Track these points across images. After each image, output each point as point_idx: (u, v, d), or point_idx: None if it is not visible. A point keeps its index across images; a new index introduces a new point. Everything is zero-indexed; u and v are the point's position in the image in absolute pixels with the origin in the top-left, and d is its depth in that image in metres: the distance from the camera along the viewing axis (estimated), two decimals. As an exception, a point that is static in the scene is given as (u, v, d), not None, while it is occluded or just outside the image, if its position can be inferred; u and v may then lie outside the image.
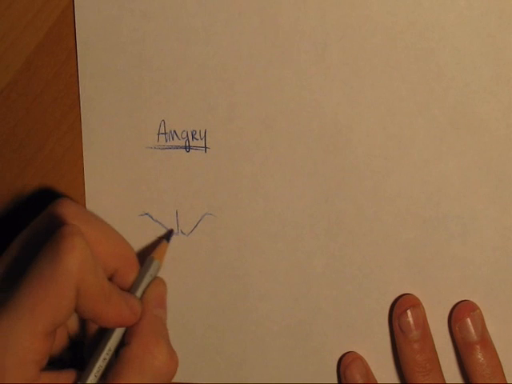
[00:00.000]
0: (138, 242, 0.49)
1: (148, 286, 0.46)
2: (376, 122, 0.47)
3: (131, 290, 0.46)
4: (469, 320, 0.48)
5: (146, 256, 0.47)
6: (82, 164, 0.49)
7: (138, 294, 0.45)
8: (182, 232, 0.49)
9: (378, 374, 0.50)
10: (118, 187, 0.49)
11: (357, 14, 0.46)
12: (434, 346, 0.48)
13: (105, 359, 0.43)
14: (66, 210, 0.44)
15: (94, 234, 0.44)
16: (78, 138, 0.49)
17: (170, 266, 0.49)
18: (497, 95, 0.46)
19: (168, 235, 0.49)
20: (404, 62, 0.47)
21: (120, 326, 0.43)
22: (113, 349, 0.43)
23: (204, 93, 0.48)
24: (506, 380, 0.48)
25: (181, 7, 0.47)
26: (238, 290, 0.50)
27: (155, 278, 0.47)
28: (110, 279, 0.45)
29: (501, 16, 0.45)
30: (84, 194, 0.50)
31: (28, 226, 0.45)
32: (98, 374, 0.43)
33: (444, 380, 0.48)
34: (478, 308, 0.48)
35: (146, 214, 0.49)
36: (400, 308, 0.48)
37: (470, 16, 0.46)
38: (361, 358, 0.49)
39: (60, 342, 0.46)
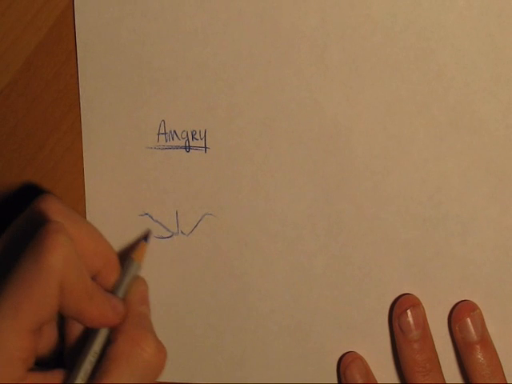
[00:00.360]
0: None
1: (130, 286, 0.46)
2: (376, 122, 0.47)
3: (114, 290, 0.46)
4: (469, 320, 0.48)
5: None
6: (82, 164, 0.49)
7: (120, 294, 0.45)
8: (182, 232, 0.49)
9: (378, 374, 0.50)
10: (118, 187, 0.49)
11: (357, 14, 0.46)
12: (433, 345, 0.48)
13: (92, 357, 0.43)
14: (50, 206, 0.44)
15: (77, 232, 0.43)
16: (77, 138, 0.49)
17: (170, 266, 0.50)
18: (497, 95, 0.46)
19: (146, 236, 0.49)
20: (404, 62, 0.47)
21: (103, 327, 0.43)
22: (99, 349, 0.43)
23: (204, 93, 0.48)
24: (506, 380, 0.48)
25: (181, 7, 0.47)
26: (238, 290, 0.50)
27: (137, 278, 0.47)
28: (93, 280, 0.45)
29: (500, 16, 0.45)
30: (84, 193, 0.50)
31: (11, 224, 0.45)
32: (86, 374, 0.43)
33: (444, 380, 0.48)
34: (477, 308, 0.48)
35: (146, 214, 0.49)
36: (400, 308, 0.48)
37: (470, 16, 0.46)
38: (361, 358, 0.49)
39: (50, 342, 0.46)
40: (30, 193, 0.50)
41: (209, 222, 0.49)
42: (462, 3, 0.46)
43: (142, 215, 0.49)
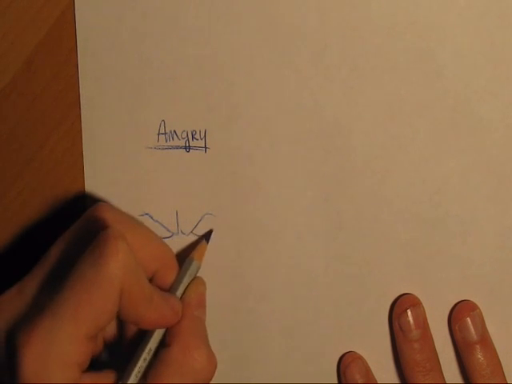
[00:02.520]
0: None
1: (188, 286, 0.46)
2: (376, 122, 0.47)
3: (171, 290, 0.45)
4: (469, 320, 0.48)
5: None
6: (82, 164, 0.49)
7: (178, 293, 0.45)
8: (182, 232, 0.49)
9: (378, 374, 0.50)
10: (118, 187, 0.49)
11: (357, 14, 0.46)
12: (434, 345, 0.48)
13: (145, 359, 0.43)
14: (107, 213, 0.44)
15: (135, 238, 0.43)
16: (78, 138, 0.49)
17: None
18: (497, 95, 0.46)
19: (207, 235, 0.49)
20: (404, 62, 0.47)
21: (161, 327, 0.43)
22: (153, 349, 0.43)
23: (204, 93, 0.48)
24: (506, 380, 0.48)
25: (181, 7, 0.47)
26: (238, 290, 0.49)
27: (195, 278, 0.46)
28: (150, 280, 0.45)
29: (501, 16, 0.45)
30: (84, 194, 0.50)
31: (67, 230, 0.45)
32: (139, 375, 0.42)
33: (444, 380, 0.48)
34: (477, 308, 0.48)
35: (146, 214, 0.49)
36: (400, 308, 0.48)
37: (470, 16, 0.46)
38: (361, 358, 0.49)
39: (108, 342, 0.46)
40: (30, 193, 0.50)
41: (209, 221, 0.49)
42: (462, 3, 0.46)
43: (142, 215, 0.49)
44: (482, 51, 0.46)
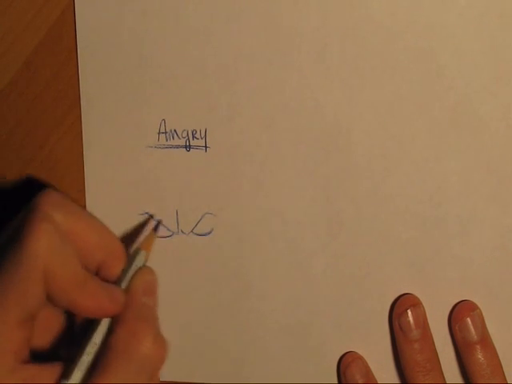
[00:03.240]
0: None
1: (134, 275, 0.45)
2: (376, 121, 0.47)
3: (117, 280, 0.44)
4: (469, 320, 0.48)
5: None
6: (82, 164, 0.49)
7: (124, 284, 0.44)
8: (182, 231, 0.49)
9: (378, 374, 0.50)
10: (118, 187, 0.49)
11: (357, 14, 0.46)
12: (434, 345, 0.48)
13: (90, 352, 0.42)
14: (46, 199, 0.43)
15: (78, 225, 0.43)
16: (77, 138, 0.49)
17: (170, 266, 0.50)
18: (497, 95, 0.46)
19: (156, 226, 0.49)
20: (404, 62, 0.47)
21: (100, 316, 0.42)
22: (99, 340, 0.42)
23: (204, 92, 0.48)
24: (506, 380, 0.48)
25: (181, 7, 0.47)
26: (238, 290, 0.49)
27: (143, 267, 0.45)
28: (97, 272, 0.44)
29: (501, 16, 0.46)
30: (84, 193, 0.50)
31: (13, 219, 0.44)
32: (84, 365, 0.41)
33: (444, 380, 0.48)
34: (477, 308, 0.48)
35: (146, 213, 0.49)
36: (400, 308, 0.48)
37: (470, 16, 0.46)
38: (361, 358, 0.49)
39: (50, 334, 0.45)
40: (30, 193, 0.50)
41: (209, 221, 0.49)
42: (462, 3, 0.46)
43: (142, 214, 0.49)
44: (482, 51, 0.46)
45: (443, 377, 0.48)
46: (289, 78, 0.47)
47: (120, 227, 0.49)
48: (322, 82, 0.47)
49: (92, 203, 0.49)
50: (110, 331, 0.42)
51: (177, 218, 0.49)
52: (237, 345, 0.50)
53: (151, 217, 0.49)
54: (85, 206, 0.49)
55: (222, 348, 0.50)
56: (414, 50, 0.46)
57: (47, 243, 0.39)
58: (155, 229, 0.48)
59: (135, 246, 0.47)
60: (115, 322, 0.43)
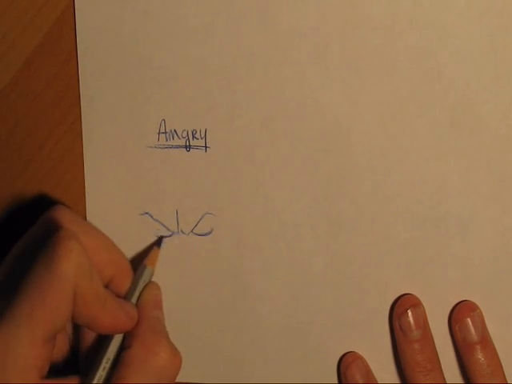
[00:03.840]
0: (138, 242, 0.49)
1: (142, 291, 0.46)
2: (376, 121, 0.47)
3: (126, 296, 0.46)
4: (469, 320, 0.48)
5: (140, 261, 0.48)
6: (82, 164, 0.49)
7: (133, 300, 0.46)
8: (182, 231, 0.49)
9: (378, 374, 0.50)
10: (118, 187, 0.49)
11: (357, 14, 0.46)
12: (434, 345, 0.48)
13: (106, 363, 0.43)
14: (62, 216, 0.44)
15: (90, 242, 0.44)
16: (77, 138, 0.49)
17: (170, 266, 0.49)
18: (497, 95, 0.46)
19: (159, 241, 0.49)
20: (404, 62, 0.47)
21: (116, 332, 0.43)
22: (113, 355, 0.43)
23: (204, 92, 0.48)
24: (506, 380, 0.48)
25: (181, 7, 0.47)
26: (238, 290, 0.49)
27: (149, 283, 0.47)
28: (106, 287, 0.45)
29: (501, 16, 0.46)
30: (84, 193, 0.50)
31: (25, 234, 0.45)
32: (101, 380, 0.43)
33: (444, 380, 0.48)
34: (478, 308, 0.48)
35: (147, 213, 0.49)
36: (400, 308, 0.48)
37: (471, 16, 0.46)
38: (361, 358, 0.49)
39: (63, 349, 0.46)
40: (30, 193, 0.50)
41: (209, 221, 0.49)
42: (462, 3, 0.46)
43: (142, 214, 0.49)
44: (482, 51, 0.46)
45: (443, 377, 0.48)
46: (289, 77, 0.47)
47: (120, 227, 0.49)
48: (321, 82, 0.47)
49: (92, 203, 0.49)
50: (123, 347, 0.44)
51: (177, 218, 0.49)
52: (236, 345, 0.50)
53: (161, 237, 0.49)
54: (85, 206, 0.49)
55: (221, 348, 0.50)
56: (414, 49, 0.46)
57: (77, 263, 0.40)
58: (158, 244, 0.49)
59: (142, 262, 0.48)
60: (129, 336, 0.44)
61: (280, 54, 0.47)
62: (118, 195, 0.49)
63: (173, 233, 0.49)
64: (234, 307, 0.50)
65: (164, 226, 0.49)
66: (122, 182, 0.49)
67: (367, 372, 0.49)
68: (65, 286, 0.39)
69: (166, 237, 0.49)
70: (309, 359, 0.50)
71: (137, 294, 0.46)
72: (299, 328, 0.50)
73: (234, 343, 0.50)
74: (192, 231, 0.49)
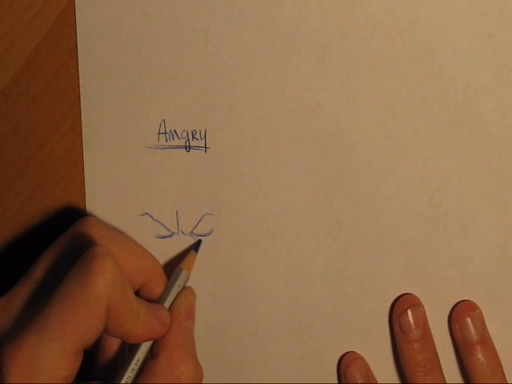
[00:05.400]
0: (139, 242, 0.49)
1: (177, 296, 0.46)
2: (376, 122, 0.47)
3: (160, 300, 0.45)
4: (469, 320, 0.48)
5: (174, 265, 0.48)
6: (82, 164, 0.49)
7: (167, 304, 0.45)
8: (182, 232, 0.49)
9: (378, 374, 0.50)
10: (118, 187, 0.49)
11: (357, 14, 0.46)
12: (434, 345, 0.48)
13: (133, 370, 0.43)
14: (93, 228, 0.44)
15: (121, 252, 0.44)
16: (77, 138, 0.49)
17: (170, 266, 0.49)
18: (497, 95, 0.46)
19: (196, 245, 0.49)
20: (404, 62, 0.47)
21: (149, 340, 0.43)
22: (141, 360, 0.43)
23: (204, 93, 0.48)
24: (506, 380, 0.48)
25: (181, 7, 0.47)
26: (238, 290, 0.49)
27: (185, 288, 0.46)
28: (137, 292, 0.45)
29: (501, 16, 0.45)
30: (84, 194, 0.49)
31: (53, 244, 0.45)
32: (130, 381, 0.43)
33: (444, 380, 0.48)
34: (477, 308, 0.48)
35: (147, 213, 0.49)
36: (400, 308, 0.48)
37: (470, 16, 0.46)
38: (361, 358, 0.49)
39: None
40: (30, 193, 0.50)
41: (209, 221, 0.49)
42: (462, 3, 0.46)
43: (142, 215, 0.49)
44: (482, 51, 0.46)
45: (443, 377, 0.48)
46: (288, 78, 0.47)
47: (120, 228, 0.49)
48: (321, 83, 0.47)
49: (92, 204, 0.49)
50: (151, 353, 0.44)
51: (177, 219, 0.49)
52: (237, 345, 0.50)
53: (200, 240, 0.49)
54: (85, 207, 0.49)
55: (221, 348, 0.50)
56: (414, 49, 0.46)
57: (111, 280, 0.39)
58: (196, 249, 0.48)
59: (178, 265, 0.47)
60: (157, 345, 0.44)
61: (280, 55, 0.47)
62: (117, 196, 0.49)
63: (173, 233, 0.49)
64: (233, 307, 0.50)
65: (164, 226, 0.49)
66: (121, 182, 0.49)
67: (367, 372, 0.49)
68: (98, 304, 0.39)
69: (166, 237, 0.49)
70: (309, 359, 0.50)
71: (171, 298, 0.45)
72: (299, 328, 0.50)
73: (235, 343, 0.50)
74: (192, 232, 0.49)
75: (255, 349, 0.50)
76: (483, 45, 0.46)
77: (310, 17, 0.47)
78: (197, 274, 0.49)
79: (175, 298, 0.46)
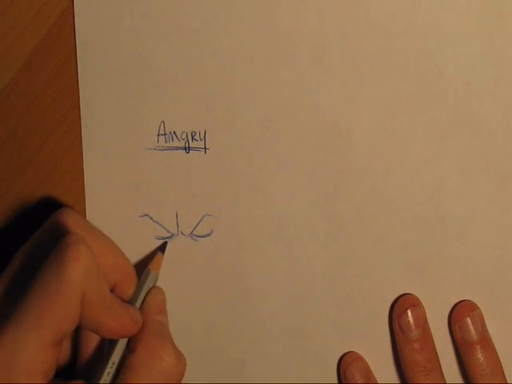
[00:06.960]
0: (138, 243, 0.49)
1: (147, 295, 0.46)
2: (376, 122, 0.47)
3: (130, 301, 0.46)
4: (469, 320, 0.48)
5: (142, 265, 0.48)
6: (82, 164, 0.49)
7: (137, 304, 0.45)
8: (182, 233, 0.49)
9: (378, 374, 0.50)
10: (118, 188, 0.49)
11: (356, 15, 0.46)
12: (434, 345, 0.48)
13: (109, 372, 0.43)
14: (69, 219, 0.44)
15: (96, 246, 0.43)
16: (77, 138, 0.49)
17: (170, 267, 0.49)
18: (497, 95, 0.46)
19: (163, 247, 0.49)
20: (404, 62, 0.47)
21: (121, 337, 0.43)
22: (117, 359, 0.43)
23: (203, 93, 0.48)
24: (506, 380, 0.48)
25: (181, 7, 0.47)
26: (238, 291, 0.50)
27: (154, 288, 0.47)
28: (111, 292, 0.45)
29: (500, 16, 0.45)
30: (84, 194, 0.50)
31: (31, 237, 0.45)
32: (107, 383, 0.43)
33: (444, 380, 0.48)
34: (477, 308, 0.48)
35: (146, 215, 0.49)
36: (400, 308, 0.48)
37: (470, 16, 0.46)
38: (361, 358, 0.49)
39: (65, 352, 0.46)
40: (30, 193, 0.50)
41: (209, 222, 0.49)
42: (462, 3, 0.46)
43: (141, 216, 0.49)
44: (482, 51, 0.46)
45: (443, 377, 0.48)
46: (288, 79, 0.47)
47: (120, 229, 0.49)
48: (321, 83, 0.47)
49: (92, 205, 0.49)
50: (127, 351, 0.44)
51: (177, 220, 0.49)
52: (237, 345, 0.50)
53: (165, 242, 0.49)
54: (85, 207, 0.50)
55: (222, 349, 0.50)
56: (414, 50, 0.46)
57: (85, 268, 0.39)
58: (163, 250, 0.49)
59: (146, 267, 0.47)
60: (133, 340, 0.44)
61: (279, 55, 0.47)
62: (117, 197, 0.49)
63: (173, 234, 0.49)
64: (234, 308, 0.50)
65: (164, 227, 0.49)
66: (121, 183, 0.49)
67: (367, 372, 0.49)
68: (73, 292, 0.39)
69: (166, 238, 0.49)
70: (309, 359, 0.50)
71: (141, 298, 0.46)
72: (299, 328, 0.50)
73: (235, 344, 0.50)
74: (192, 233, 0.49)
75: (255, 349, 0.50)
76: (483, 45, 0.46)
77: (309, 18, 0.47)
78: (197, 275, 0.50)
79: (145, 298, 0.46)
